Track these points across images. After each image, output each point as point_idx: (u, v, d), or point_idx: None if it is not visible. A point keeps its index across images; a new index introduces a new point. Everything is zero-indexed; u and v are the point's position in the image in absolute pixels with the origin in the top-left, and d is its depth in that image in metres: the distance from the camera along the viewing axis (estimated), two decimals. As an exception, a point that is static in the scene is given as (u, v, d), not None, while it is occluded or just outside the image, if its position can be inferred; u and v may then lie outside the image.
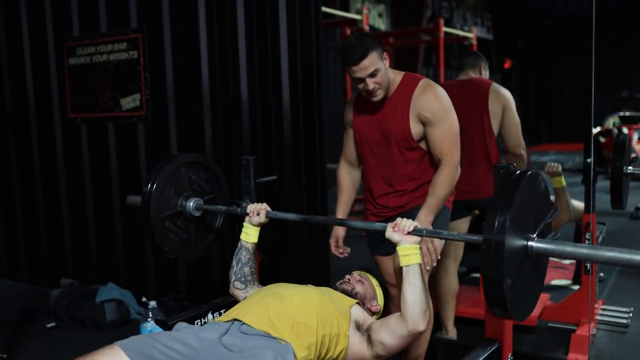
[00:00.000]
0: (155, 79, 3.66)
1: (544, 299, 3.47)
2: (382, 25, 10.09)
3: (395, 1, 10.24)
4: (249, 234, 2.17)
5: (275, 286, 2.02)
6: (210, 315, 2.34)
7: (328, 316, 1.84)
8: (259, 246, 2.45)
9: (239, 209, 2.26)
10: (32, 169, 4.33)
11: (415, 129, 2.27)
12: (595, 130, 8.30)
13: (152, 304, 3.11)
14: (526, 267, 1.62)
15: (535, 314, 3.27)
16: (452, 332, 3.10)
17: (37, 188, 4.35)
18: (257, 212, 2.14)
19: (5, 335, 3.40)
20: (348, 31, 5.75)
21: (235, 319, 1.82)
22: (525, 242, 1.59)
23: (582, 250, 1.64)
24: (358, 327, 1.89)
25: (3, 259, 4.57)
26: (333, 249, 2.52)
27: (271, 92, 3.29)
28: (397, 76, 2.31)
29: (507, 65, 13.56)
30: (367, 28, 5.10)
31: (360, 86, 2.25)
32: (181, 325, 1.86)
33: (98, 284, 3.95)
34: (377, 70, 2.18)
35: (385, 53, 2.24)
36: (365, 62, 2.15)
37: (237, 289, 2.16)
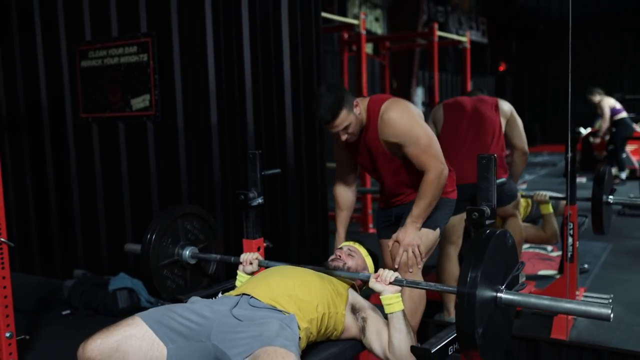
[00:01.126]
0: (164, 81, 3.89)
1: (529, 285, 3.71)
2: (378, 29, 10.31)
3: (392, 6, 10.47)
4: (242, 282, 2.33)
5: (279, 267, 2.24)
6: (220, 295, 2.56)
7: (326, 296, 2.05)
8: (264, 234, 2.68)
9: (232, 258, 2.48)
10: (45, 167, 4.55)
11: (393, 149, 2.42)
12: (586, 131, 8.51)
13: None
14: (496, 316, 1.82)
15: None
16: (453, 314, 3.32)
17: (50, 185, 4.56)
18: (250, 262, 2.34)
19: (24, 321, 3.61)
20: (345, 35, 5.97)
21: (244, 294, 2.03)
22: (494, 294, 1.79)
23: (544, 301, 1.85)
24: (353, 310, 2.12)
25: (16, 253, 4.78)
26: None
27: (274, 92, 3.51)
28: (365, 104, 2.42)
29: (501, 68, 13.81)
30: (364, 32, 5.32)
31: (335, 136, 2.42)
32: (195, 299, 2.07)
33: (108, 275, 4.17)
34: (349, 124, 2.34)
35: (355, 101, 2.35)
36: (337, 122, 2.31)
37: None
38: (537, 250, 4.80)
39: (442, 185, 2.38)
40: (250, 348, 1.75)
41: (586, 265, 4.38)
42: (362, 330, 2.09)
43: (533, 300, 1.85)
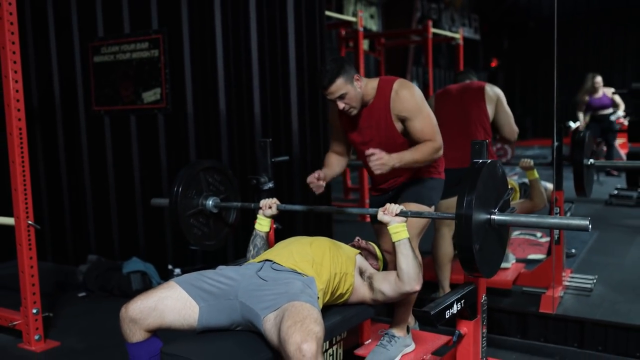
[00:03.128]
0: (175, 75, 4.10)
1: (519, 267, 3.95)
2: (373, 26, 10.52)
3: (387, 3, 10.68)
4: (262, 224, 2.54)
5: (297, 237, 2.47)
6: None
7: (337, 258, 2.28)
8: (275, 216, 2.90)
9: (252, 204, 2.69)
10: (57, 157, 4.75)
11: (400, 126, 2.52)
12: (575, 125, 8.76)
13: (177, 271, 3.57)
14: (490, 235, 2.07)
15: (510, 279, 3.75)
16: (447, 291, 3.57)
17: (62, 175, 4.77)
18: (269, 205, 2.55)
19: (43, 302, 3.81)
20: (343, 32, 6.19)
21: (266, 260, 2.26)
22: (488, 216, 2.05)
23: (532, 219, 2.16)
24: (361, 272, 2.36)
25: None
26: (312, 179, 2.56)
27: (280, 85, 3.72)
28: (373, 83, 2.54)
29: (493, 64, 14.06)
30: (361, 29, 5.53)
31: (333, 104, 2.53)
32: (222, 267, 2.27)
33: (120, 261, 4.38)
34: (345, 93, 2.43)
35: (356, 75, 2.46)
36: (332, 88, 2.41)
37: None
38: (527, 237, 5.04)
39: (435, 156, 2.50)
40: (277, 303, 1.97)
41: (574, 250, 4.62)
42: (370, 285, 2.32)
43: (522, 218, 2.14)
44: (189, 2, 3.99)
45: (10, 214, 3.19)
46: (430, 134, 2.48)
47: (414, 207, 2.51)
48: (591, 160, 3.65)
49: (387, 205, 2.27)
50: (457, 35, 7.32)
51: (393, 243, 2.25)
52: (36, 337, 3.21)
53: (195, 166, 2.79)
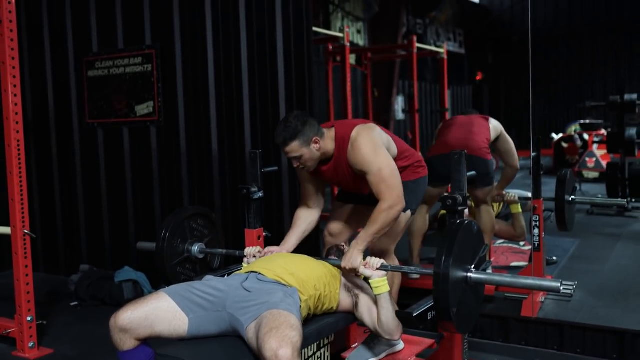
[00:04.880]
0: (167, 89, 4.21)
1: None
2: (360, 41, 10.71)
3: (373, 19, 10.88)
4: None
5: (283, 253, 2.58)
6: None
7: (322, 278, 2.38)
8: (264, 224, 3.01)
9: (237, 252, 2.79)
10: (50, 169, 4.82)
11: (363, 174, 2.49)
12: (558, 136, 8.98)
13: (169, 279, 3.63)
14: (467, 293, 2.17)
15: (492, 286, 3.87)
16: (416, 261, 4.01)
17: (55, 186, 4.83)
18: (254, 255, 2.67)
19: (36, 310, 3.87)
20: (330, 47, 6.34)
21: (252, 271, 2.35)
22: (465, 274, 2.15)
23: (506, 279, 2.29)
24: (347, 288, 2.47)
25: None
26: (266, 253, 2.66)
27: (270, 98, 3.84)
28: (331, 137, 2.53)
29: (478, 77, 14.32)
30: (348, 44, 5.68)
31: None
32: (209, 277, 2.38)
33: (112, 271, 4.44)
34: (300, 156, 2.46)
35: (315, 138, 2.45)
36: (287, 149, 2.45)
37: None
38: (510, 245, 5.18)
39: (392, 217, 2.41)
40: (258, 312, 2.06)
41: (555, 258, 4.76)
42: (355, 305, 2.44)
43: (497, 278, 2.24)
44: (182, 18, 4.11)
45: (3, 225, 3.28)
46: (383, 190, 2.40)
47: None
48: (572, 197, 3.87)
49: (368, 259, 2.36)
50: (442, 50, 7.50)
51: (375, 296, 2.35)
52: (30, 344, 3.27)
53: (180, 214, 2.90)
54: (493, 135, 3.97)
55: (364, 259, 2.42)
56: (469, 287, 2.16)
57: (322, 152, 2.52)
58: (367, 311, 2.42)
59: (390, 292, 2.37)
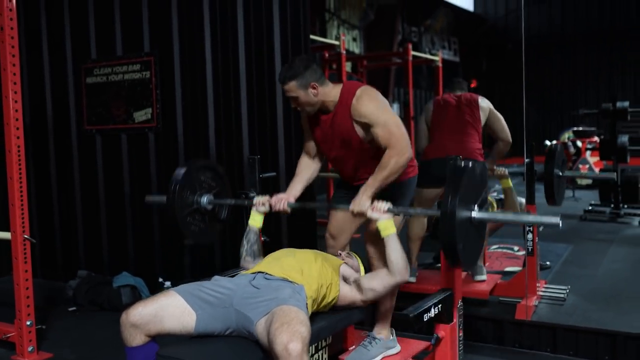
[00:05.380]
0: (165, 95, 4.26)
1: (496, 278, 4.12)
2: (356, 49, 10.79)
3: (368, 27, 10.97)
4: (256, 220, 2.70)
5: (287, 250, 2.62)
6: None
7: (323, 269, 2.43)
8: (262, 229, 3.05)
9: (246, 201, 2.82)
10: (49, 175, 4.85)
11: (362, 132, 2.55)
12: (551, 143, 9.05)
13: (168, 284, 3.68)
14: (471, 231, 2.26)
15: (487, 290, 3.93)
16: (414, 264, 4.04)
17: (53, 192, 4.86)
18: (262, 203, 2.71)
19: (35, 315, 3.90)
20: (327, 54, 6.40)
21: (259, 271, 2.39)
22: (469, 213, 2.23)
23: (509, 216, 2.39)
24: (345, 280, 2.51)
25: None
26: (274, 201, 2.69)
27: (267, 105, 3.90)
28: (337, 90, 2.58)
29: (473, 84, 14.40)
30: (344, 52, 5.76)
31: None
32: (217, 277, 2.41)
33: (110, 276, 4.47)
34: (296, 97, 2.53)
35: (314, 83, 2.50)
36: (284, 87, 2.53)
37: (247, 262, 2.71)
38: (504, 250, 5.23)
39: (401, 164, 2.47)
40: (267, 308, 2.11)
41: (548, 263, 4.82)
42: (359, 287, 2.47)
43: (500, 216, 2.43)
44: (180, 25, 4.17)
45: (3, 230, 3.31)
46: (391, 139, 2.46)
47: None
48: (560, 172, 3.85)
49: (375, 203, 2.42)
50: (436, 58, 7.58)
51: (375, 232, 2.44)
52: (29, 348, 3.30)
53: (189, 165, 2.92)
54: (484, 119, 4.02)
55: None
56: (473, 225, 2.26)
57: (321, 99, 2.57)
58: (371, 278, 2.47)
59: (396, 234, 2.41)
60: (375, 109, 2.51)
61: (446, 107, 4.08)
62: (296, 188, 2.80)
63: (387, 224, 2.40)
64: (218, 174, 3.05)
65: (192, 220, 2.90)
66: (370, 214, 2.42)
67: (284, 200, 2.69)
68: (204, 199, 2.91)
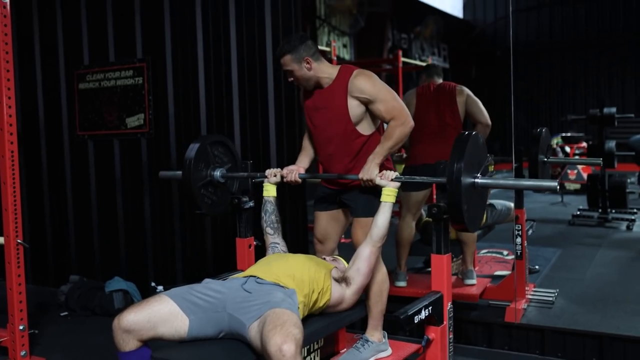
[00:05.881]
0: (158, 101, 4.28)
1: (485, 282, 4.17)
2: (346, 55, 10.87)
3: (359, 33, 11.05)
4: (269, 190, 2.83)
5: (279, 255, 2.66)
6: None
7: (315, 274, 2.45)
8: (254, 233, 3.08)
9: (258, 174, 2.93)
10: (40, 180, 4.86)
11: (355, 111, 2.64)
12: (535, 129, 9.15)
13: (160, 288, 3.70)
14: (475, 195, 2.40)
15: (477, 293, 3.97)
16: (403, 269, 4.08)
17: (45, 197, 4.87)
18: (274, 174, 2.82)
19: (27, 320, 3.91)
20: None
21: (250, 275, 2.41)
22: (473, 180, 2.37)
23: (509, 181, 2.68)
24: (337, 281, 2.54)
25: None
26: (286, 172, 2.82)
27: (259, 110, 3.93)
28: (334, 69, 2.70)
29: (462, 90, 14.62)
30: (334, 58, 5.82)
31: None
32: (208, 280, 2.42)
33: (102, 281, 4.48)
34: (291, 70, 2.66)
35: (308, 58, 2.62)
36: (281, 61, 2.67)
37: (268, 234, 2.85)
38: (494, 254, 5.29)
39: (405, 133, 2.60)
40: (260, 312, 2.12)
41: (537, 267, 4.89)
42: (345, 280, 2.52)
43: (501, 181, 2.58)
44: (172, 32, 4.20)
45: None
46: (393, 112, 2.59)
47: (366, 222, 2.65)
48: (544, 157, 3.90)
49: (384, 171, 2.55)
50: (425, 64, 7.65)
51: (380, 202, 2.53)
52: (22, 353, 3.29)
53: (203, 140, 3.02)
54: (461, 110, 3.98)
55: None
56: (476, 191, 2.39)
57: (315, 74, 2.67)
58: (352, 262, 2.55)
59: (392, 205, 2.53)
60: (374, 85, 2.63)
61: (426, 101, 4.04)
62: (304, 161, 2.95)
63: (391, 192, 2.53)
64: (230, 150, 3.15)
65: (205, 192, 3.00)
66: (379, 180, 2.54)
67: (295, 171, 2.82)
68: (217, 173, 3.00)
